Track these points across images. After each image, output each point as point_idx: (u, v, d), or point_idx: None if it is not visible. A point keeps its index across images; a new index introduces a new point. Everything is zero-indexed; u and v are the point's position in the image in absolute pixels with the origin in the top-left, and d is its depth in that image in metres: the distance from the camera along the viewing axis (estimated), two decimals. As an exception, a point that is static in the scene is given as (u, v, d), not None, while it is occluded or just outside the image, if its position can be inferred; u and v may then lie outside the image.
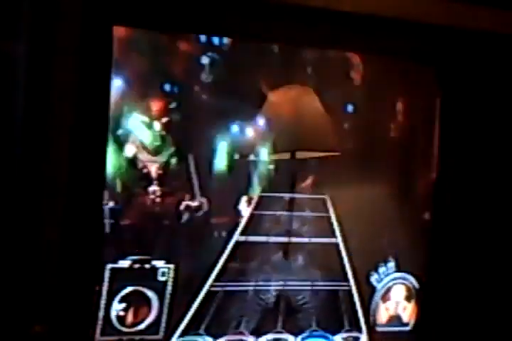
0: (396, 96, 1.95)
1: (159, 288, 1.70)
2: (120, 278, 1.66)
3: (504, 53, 1.93)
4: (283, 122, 1.82)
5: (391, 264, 1.94)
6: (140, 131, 1.67)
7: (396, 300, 1.97)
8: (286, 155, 1.83)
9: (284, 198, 1.82)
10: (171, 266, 1.71)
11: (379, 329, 1.94)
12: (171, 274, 1.71)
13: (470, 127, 1.97)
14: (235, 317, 1.78)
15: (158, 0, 1.63)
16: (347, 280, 1.88)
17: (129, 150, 1.66)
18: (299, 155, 1.84)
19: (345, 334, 1.90)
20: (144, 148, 1.68)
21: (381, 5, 1.76)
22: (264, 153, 1.80)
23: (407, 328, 1.98)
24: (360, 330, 1.91)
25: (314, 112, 1.86)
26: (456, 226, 1.97)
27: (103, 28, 1.58)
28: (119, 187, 1.65)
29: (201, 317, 1.74)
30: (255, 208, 1.78)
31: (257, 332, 1.80)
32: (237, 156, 1.77)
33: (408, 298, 1.98)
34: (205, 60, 1.73)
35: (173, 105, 1.70)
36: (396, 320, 1.97)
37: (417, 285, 1.98)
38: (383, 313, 1.95)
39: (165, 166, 1.70)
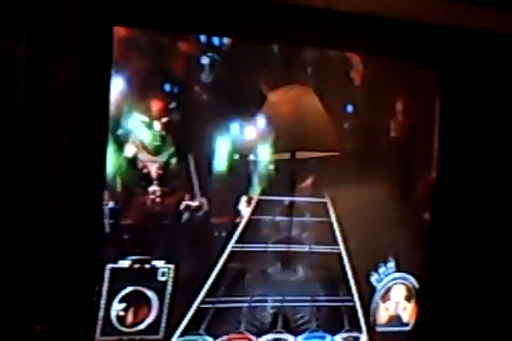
0: (396, 96, 1.95)
1: (159, 288, 1.70)
2: (120, 278, 1.66)
3: (504, 53, 1.93)
4: (283, 122, 1.82)
5: (391, 264, 1.94)
6: (140, 130, 1.67)
7: (396, 300, 1.97)
8: (286, 155, 1.83)
9: (283, 201, 1.83)
10: (171, 266, 1.71)
11: (379, 329, 1.94)
12: (171, 274, 1.71)
13: (470, 127, 1.98)
14: (235, 317, 1.78)
15: (158, 0, 1.64)
16: (350, 294, 1.89)
17: (129, 150, 1.66)
18: (299, 155, 1.84)
19: (345, 334, 1.89)
20: (144, 148, 1.68)
21: (381, 5, 1.76)
22: (264, 153, 1.79)
23: (407, 328, 1.98)
24: (360, 330, 1.91)
25: (314, 112, 1.86)
26: (456, 226, 1.97)
27: (103, 28, 1.58)
28: (119, 187, 1.65)
29: (201, 317, 1.74)
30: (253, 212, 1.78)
31: (257, 332, 1.81)
32: (237, 156, 1.77)
33: (408, 298, 1.98)
34: (205, 60, 1.73)
35: (173, 105, 1.70)
36: (396, 320, 1.97)
37: (417, 285, 1.98)
38: (383, 313, 1.95)
39: (165, 166, 1.70)
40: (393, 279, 1.95)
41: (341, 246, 1.87)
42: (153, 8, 1.63)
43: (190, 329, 1.74)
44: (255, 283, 1.80)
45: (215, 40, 1.74)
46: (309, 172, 1.85)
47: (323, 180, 1.86)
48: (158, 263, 1.69)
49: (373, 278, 1.93)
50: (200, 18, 1.69)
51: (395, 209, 1.95)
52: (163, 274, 1.70)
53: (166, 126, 1.69)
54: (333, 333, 1.88)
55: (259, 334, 1.81)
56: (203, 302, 1.74)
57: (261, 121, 1.79)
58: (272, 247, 1.81)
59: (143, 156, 1.68)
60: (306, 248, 1.84)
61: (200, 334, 1.75)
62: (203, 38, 1.73)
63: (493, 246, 1.96)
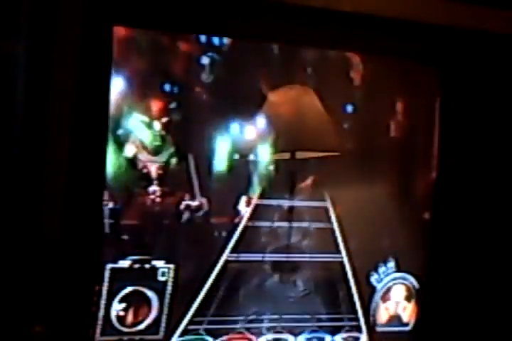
0: (396, 96, 1.95)
1: (159, 288, 1.70)
2: (120, 278, 1.66)
3: (504, 53, 1.93)
4: (283, 122, 1.82)
5: (391, 264, 1.94)
6: (140, 130, 1.67)
7: (396, 300, 1.97)
8: (286, 156, 1.83)
9: (283, 201, 1.83)
10: (171, 266, 1.71)
11: (379, 329, 1.94)
12: (171, 274, 1.71)
13: (470, 127, 1.97)
14: (235, 316, 1.78)
15: (158, 0, 1.63)
16: (354, 313, 1.89)
17: (129, 150, 1.66)
18: (299, 155, 1.84)
19: (345, 334, 1.89)
20: (144, 148, 1.68)
21: (381, 5, 1.76)
22: (264, 153, 1.79)
23: (407, 328, 1.98)
24: (360, 330, 1.91)
25: (314, 112, 1.85)
26: (456, 226, 1.97)
27: (103, 28, 1.58)
28: (119, 187, 1.65)
29: (201, 317, 1.74)
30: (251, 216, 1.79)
31: (257, 332, 1.81)
32: (237, 156, 1.77)
33: (408, 298, 1.98)
34: (205, 60, 1.73)
35: (173, 105, 1.70)
36: (396, 320, 1.97)
37: (417, 285, 1.98)
38: (383, 313, 1.95)
39: (165, 166, 1.70)
40: (393, 279, 1.95)
41: (343, 253, 1.87)
42: (153, 8, 1.63)
43: (190, 330, 1.74)
44: (256, 282, 1.80)
45: (215, 40, 1.74)
46: (309, 172, 1.85)
47: (323, 180, 1.85)
48: (158, 263, 1.69)
49: (373, 278, 1.93)
50: (200, 18, 1.69)
51: (395, 209, 1.95)
52: (163, 274, 1.70)
53: (166, 126, 1.69)
54: (333, 333, 1.88)
55: (259, 334, 1.81)
56: (203, 302, 1.74)
57: (261, 121, 1.79)
58: (269, 254, 1.81)
59: (143, 156, 1.68)
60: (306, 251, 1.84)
61: (200, 334, 1.75)
62: (203, 37, 1.73)
63: (493, 246, 1.96)
